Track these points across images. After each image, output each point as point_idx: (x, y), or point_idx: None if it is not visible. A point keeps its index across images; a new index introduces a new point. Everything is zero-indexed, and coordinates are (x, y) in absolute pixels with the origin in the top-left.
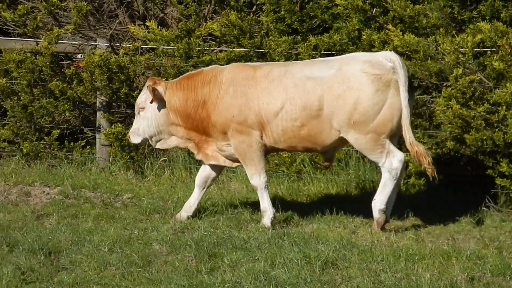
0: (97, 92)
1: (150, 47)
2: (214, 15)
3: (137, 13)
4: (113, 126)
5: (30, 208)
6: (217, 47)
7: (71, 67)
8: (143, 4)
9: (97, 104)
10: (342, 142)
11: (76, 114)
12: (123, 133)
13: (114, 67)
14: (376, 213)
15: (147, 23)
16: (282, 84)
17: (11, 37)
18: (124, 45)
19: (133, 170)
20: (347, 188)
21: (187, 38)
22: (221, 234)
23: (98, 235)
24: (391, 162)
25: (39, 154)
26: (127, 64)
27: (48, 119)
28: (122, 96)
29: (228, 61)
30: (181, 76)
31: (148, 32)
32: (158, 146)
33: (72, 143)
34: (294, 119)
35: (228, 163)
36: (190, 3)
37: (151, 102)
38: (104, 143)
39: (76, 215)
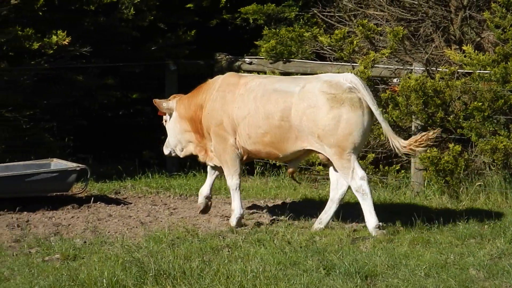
0: (412, 116)
1: (466, 72)
2: None
3: (453, 37)
4: (428, 151)
5: (346, 231)
6: None
7: (387, 91)
8: (460, 28)
9: (412, 128)
10: (305, 153)
11: None
12: (438, 157)
13: (430, 91)
14: (373, 232)
15: (463, 47)
16: (253, 93)
17: (327, 61)
18: (440, 69)
19: (448, 195)
20: None
21: (504, 63)
22: None
23: (414, 260)
24: (355, 181)
25: None
26: (443, 88)
27: None
28: (438, 121)
29: None
30: None
31: (464, 56)
32: (182, 155)
33: (386, 167)
34: (258, 126)
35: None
36: (507, 28)
37: (158, 114)
38: (419, 168)
39: (392, 239)
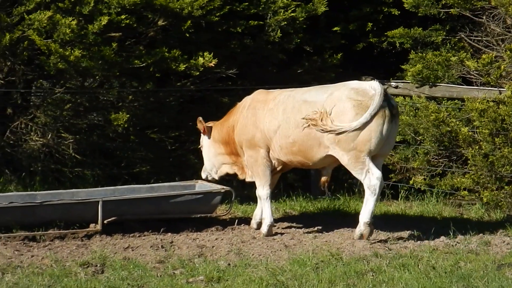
0: None
1: None
2: None
3: None
4: None
5: (491, 257)
6: None
7: None
8: None
9: None
10: (332, 159)
11: None
12: None
13: None
14: (361, 226)
15: None
16: (283, 106)
17: (473, 86)
18: None
19: None
20: None
21: None
22: None
23: None
24: (369, 179)
25: (499, 204)
26: None
27: (509, 168)
28: None
29: None
30: None
31: None
32: (217, 176)
33: None
34: (287, 136)
35: None
36: None
37: (203, 134)
38: None
39: None
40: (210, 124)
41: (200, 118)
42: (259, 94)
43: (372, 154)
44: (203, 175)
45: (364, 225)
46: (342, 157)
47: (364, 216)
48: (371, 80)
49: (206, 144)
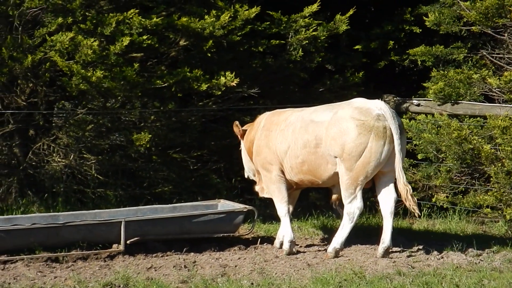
0: None
1: None
2: None
3: None
4: None
5: None
6: None
7: None
8: None
9: None
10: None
11: None
12: None
13: None
14: (330, 249)
15: None
16: (292, 127)
17: (495, 103)
18: None
19: None
20: None
21: None
22: None
23: None
24: (351, 206)
25: None
26: None
27: None
28: None
29: None
30: None
31: None
32: (254, 178)
33: None
34: (296, 156)
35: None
36: None
37: (241, 138)
38: None
39: None
40: (246, 127)
41: (237, 123)
42: (273, 115)
43: (369, 179)
44: (245, 175)
45: (333, 249)
46: (342, 176)
47: (337, 241)
48: (394, 98)
49: (242, 149)
